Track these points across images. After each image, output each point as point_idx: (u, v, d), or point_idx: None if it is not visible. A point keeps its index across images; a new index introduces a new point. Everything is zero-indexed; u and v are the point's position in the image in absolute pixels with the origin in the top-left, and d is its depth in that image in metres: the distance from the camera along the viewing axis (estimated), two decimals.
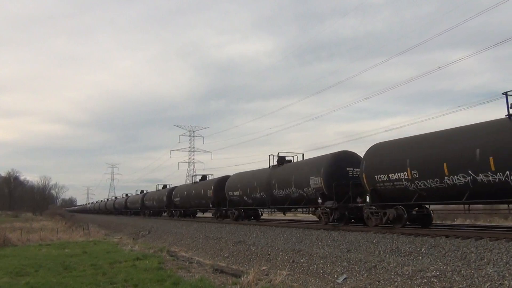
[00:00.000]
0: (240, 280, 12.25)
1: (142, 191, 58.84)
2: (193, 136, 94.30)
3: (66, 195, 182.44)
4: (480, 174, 12.13)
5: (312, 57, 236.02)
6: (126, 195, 70.22)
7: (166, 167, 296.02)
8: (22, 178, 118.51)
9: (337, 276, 12.62)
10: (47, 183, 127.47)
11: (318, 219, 20.07)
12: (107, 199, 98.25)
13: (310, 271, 13.74)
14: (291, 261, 15.12)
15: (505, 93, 12.30)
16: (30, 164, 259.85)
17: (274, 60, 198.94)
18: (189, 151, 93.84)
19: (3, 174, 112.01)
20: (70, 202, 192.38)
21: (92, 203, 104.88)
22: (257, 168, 27.16)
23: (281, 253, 16.27)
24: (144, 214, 52.91)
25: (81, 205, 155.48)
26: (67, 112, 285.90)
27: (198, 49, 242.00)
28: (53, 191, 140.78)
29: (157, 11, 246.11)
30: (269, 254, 16.75)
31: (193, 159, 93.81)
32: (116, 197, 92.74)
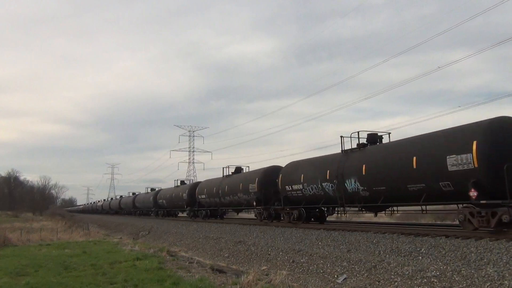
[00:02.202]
0: (240, 280, 12.25)
1: (133, 193, 64.50)
2: (193, 136, 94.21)
3: (66, 195, 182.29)
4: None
5: (312, 57, 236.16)
6: (121, 196, 76.50)
7: (166, 167, 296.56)
8: (22, 178, 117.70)
9: (337, 276, 12.62)
10: (47, 183, 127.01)
11: (255, 217, 25.93)
12: (104, 200, 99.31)
13: (310, 271, 13.74)
14: (291, 261, 15.12)
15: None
16: (30, 164, 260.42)
17: (274, 60, 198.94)
18: (189, 151, 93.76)
19: (3, 174, 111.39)
20: (70, 202, 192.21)
21: (100, 201, 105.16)
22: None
23: (281, 253, 16.27)
24: (135, 214, 58.49)
25: (84, 204, 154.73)
26: (67, 112, 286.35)
27: (198, 50, 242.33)
28: (53, 191, 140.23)
29: (157, 12, 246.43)
30: (269, 254, 16.75)
31: (193, 159, 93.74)
32: (112, 198, 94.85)
